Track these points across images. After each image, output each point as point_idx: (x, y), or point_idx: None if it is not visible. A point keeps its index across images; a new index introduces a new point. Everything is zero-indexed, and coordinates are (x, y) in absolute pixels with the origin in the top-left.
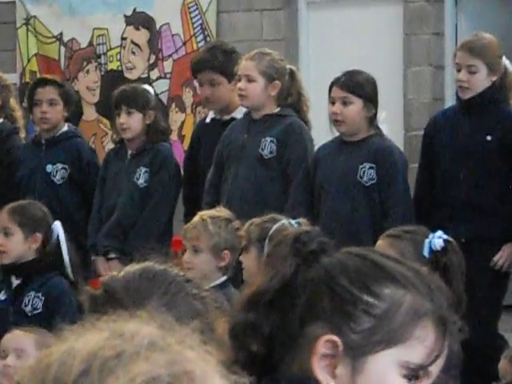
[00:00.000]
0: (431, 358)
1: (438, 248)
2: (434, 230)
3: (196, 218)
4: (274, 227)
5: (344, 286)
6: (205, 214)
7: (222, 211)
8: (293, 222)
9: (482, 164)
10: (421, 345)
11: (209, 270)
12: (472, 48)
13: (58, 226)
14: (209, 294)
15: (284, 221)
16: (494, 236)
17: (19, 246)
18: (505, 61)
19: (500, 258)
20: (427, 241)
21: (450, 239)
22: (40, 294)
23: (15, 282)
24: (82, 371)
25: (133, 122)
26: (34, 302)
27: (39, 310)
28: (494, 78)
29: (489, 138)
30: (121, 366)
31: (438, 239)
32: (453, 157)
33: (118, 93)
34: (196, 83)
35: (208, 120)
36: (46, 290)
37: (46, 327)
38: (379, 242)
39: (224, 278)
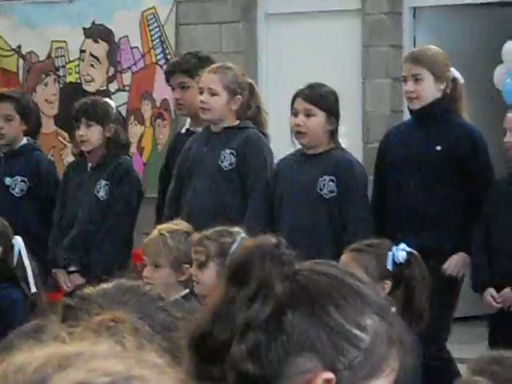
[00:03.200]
0: (398, 381)
1: (402, 260)
2: (397, 243)
3: (155, 233)
4: (235, 245)
5: (334, 317)
6: (163, 228)
7: (179, 224)
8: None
9: (432, 174)
10: (392, 372)
11: (169, 285)
12: (416, 57)
13: (18, 241)
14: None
15: (242, 234)
16: (444, 247)
17: None
18: (454, 72)
19: (449, 266)
20: (390, 254)
21: (413, 251)
22: None
23: None
24: (42, 363)
25: (92, 135)
26: None
27: None
28: (442, 87)
29: (438, 148)
30: (79, 361)
31: (401, 252)
32: (404, 168)
33: (78, 105)
34: (156, 95)
35: (183, 131)
36: None
37: None
38: (343, 257)
39: (186, 291)
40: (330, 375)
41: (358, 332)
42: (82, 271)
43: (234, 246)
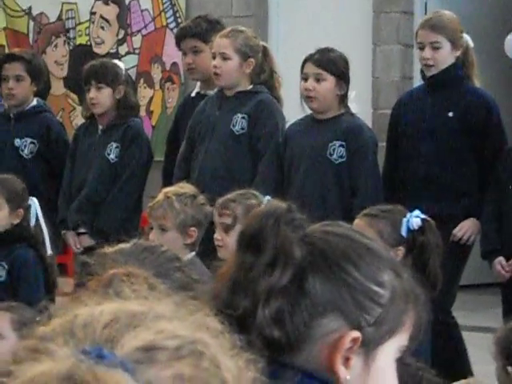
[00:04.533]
0: (412, 336)
1: (416, 227)
2: (411, 210)
3: (160, 196)
4: (265, 204)
5: (354, 276)
6: (169, 191)
7: (185, 187)
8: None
9: (444, 140)
10: (408, 327)
11: (176, 248)
12: (434, 25)
13: (35, 202)
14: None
15: (268, 197)
16: (455, 212)
17: (3, 221)
18: (466, 37)
19: (459, 230)
20: (405, 220)
21: (428, 218)
22: (4, 263)
23: None
24: (110, 319)
25: (102, 97)
26: None
27: (2, 279)
28: (457, 54)
29: (450, 114)
30: (147, 321)
31: (415, 218)
32: (415, 134)
33: (88, 68)
34: (165, 58)
35: (193, 94)
36: (11, 259)
37: (10, 296)
38: (357, 221)
39: (192, 255)
40: (356, 334)
41: (377, 288)
42: (91, 233)
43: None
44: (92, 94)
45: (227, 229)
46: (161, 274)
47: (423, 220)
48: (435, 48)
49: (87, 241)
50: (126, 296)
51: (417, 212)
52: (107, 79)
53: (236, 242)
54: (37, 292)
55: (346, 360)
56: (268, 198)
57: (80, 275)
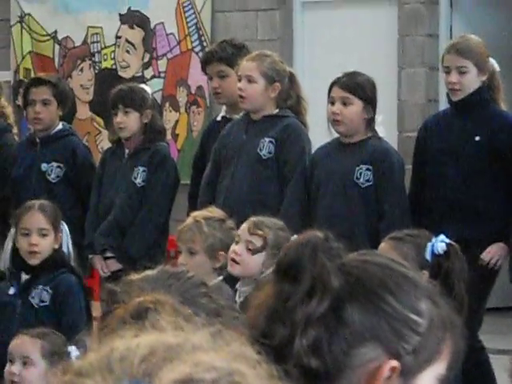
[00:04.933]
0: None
1: (441, 252)
2: (436, 234)
3: (189, 220)
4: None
5: (392, 305)
6: (198, 215)
7: (214, 211)
8: None
9: (471, 165)
10: (446, 355)
11: (205, 272)
12: (461, 49)
13: (65, 227)
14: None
15: (295, 236)
16: (482, 237)
17: (50, 247)
18: (491, 61)
19: (487, 255)
20: (430, 244)
21: (453, 243)
22: (48, 288)
23: (24, 277)
24: (147, 353)
25: (130, 122)
26: (41, 295)
27: (46, 303)
28: (484, 78)
29: (477, 138)
30: (183, 353)
31: (440, 243)
32: (442, 158)
33: (115, 92)
34: (191, 82)
35: (219, 118)
36: (55, 284)
37: (54, 321)
38: (382, 245)
39: (220, 278)
40: (395, 363)
41: (415, 317)
42: (118, 257)
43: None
44: (119, 118)
45: (254, 250)
46: (187, 301)
47: (448, 244)
48: (462, 72)
49: (114, 265)
50: (162, 327)
51: (442, 237)
52: (135, 103)
53: (273, 272)
54: (81, 318)
55: None
56: (295, 236)
57: (107, 303)
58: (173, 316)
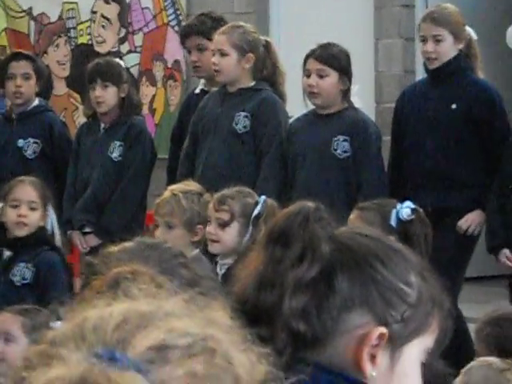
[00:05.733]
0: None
1: (406, 217)
2: (402, 201)
3: (167, 194)
4: (260, 206)
5: (383, 273)
6: (175, 188)
7: (191, 185)
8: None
9: (448, 133)
10: (434, 330)
11: (182, 245)
12: (436, 18)
13: (51, 208)
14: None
15: (263, 197)
16: (460, 205)
17: (37, 223)
18: (468, 29)
19: (465, 222)
20: (394, 211)
21: (418, 208)
22: (30, 266)
23: (6, 253)
24: (120, 321)
25: (108, 96)
26: (22, 272)
27: (27, 281)
28: (460, 47)
29: (454, 106)
30: (157, 320)
31: (405, 209)
32: (419, 127)
33: (93, 66)
34: (167, 56)
35: (197, 91)
36: (37, 262)
37: (36, 299)
38: (351, 215)
39: (197, 251)
40: (383, 329)
41: (405, 287)
42: (96, 232)
43: (258, 208)
44: (98, 92)
45: (224, 225)
46: (166, 271)
47: (413, 210)
48: (437, 41)
49: (93, 240)
50: (134, 296)
51: (407, 203)
52: (113, 78)
53: (263, 239)
54: (64, 296)
55: (372, 357)
56: (263, 197)
57: (86, 276)
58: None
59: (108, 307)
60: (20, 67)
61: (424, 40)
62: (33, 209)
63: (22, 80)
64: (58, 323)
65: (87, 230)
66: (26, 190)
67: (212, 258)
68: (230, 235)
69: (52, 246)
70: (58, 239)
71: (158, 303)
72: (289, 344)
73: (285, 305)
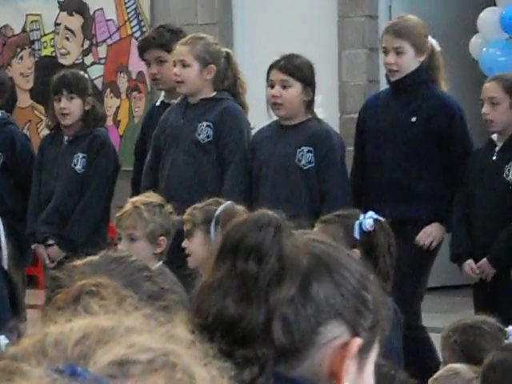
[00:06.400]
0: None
1: (369, 228)
2: (365, 212)
3: (128, 206)
4: (221, 208)
5: (350, 281)
6: (136, 200)
7: (152, 196)
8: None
9: (408, 145)
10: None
11: (145, 258)
12: (397, 30)
13: None
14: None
15: (228, 202)
16: (419, 217)
17: None
18: (431, 41)
19: (422, 236)
20: (357, 222)
21: (380, 219)
22: None
23: None
24: (81, 336)
25: (73, 108)
26: None
27: None
28: (422, 59)
29: (414, 119)
30: (117, 335)
31: (368, 220)
32: (380, 138)
33: (58, 78)
34: (131, 68)
35: (158, 103)
36: None
37: None
38: (314, 229)
39: (160, 264)
40: (359, 340)
41: (366, 293)
42: (60, 245)
43: (219, 209)
44: (63, 104)
45: (188, 235)
46: (130, 285)
47: (376, 221)
48: (399, 53)
49: (56, 252)
50: (95, 311)
51: (370, 213)
52: (78, 90)
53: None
54: (3, 309)
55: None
56: (228, 203)
57: (50, 289)
58: (113, 298)
59: (69, 323)
60: None
61: (386, 52)
62: None
63: None
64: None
65: (50, 242)
66: None
67: (172, 270)
68: (194, 244)
69: None
70: (4, 254)
71: (118, 319)
72: (270, 358)
73: (274, 324)
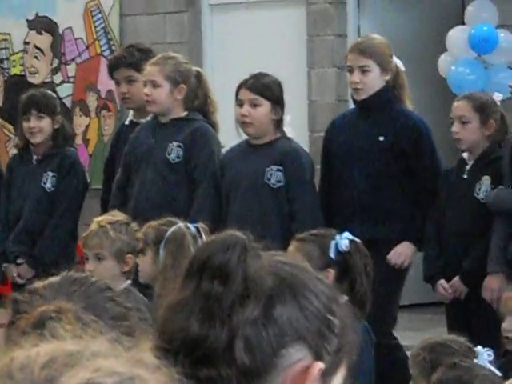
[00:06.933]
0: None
1: (345, 248)
2: (341, 232)
3: (94, 226)
4: (171, 230)
5: (315, 304)
6: (102, 219)
7: (117, 215)
8: (190, 225)
9: (376, 165)
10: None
11: (113, 276)
12: (363, 48)
13: None
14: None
15: (180, 224)
16: (389, 237)
17: None
18: (396, 60)
19: (394, 254)
20: (333, 242)
21: (356, 240)
22: None
23: None
24: (47, 360)
25: (43, 126)
26: None
27: None
28: (387, 78)
29: (381, 138)
30: (84, 360)
31: (343, 240)
32: (347, 158)
33: (27, 97)
34: (100, 86)
35: (127, 122)
36: None
37: None
38: (289, 247)
39: (129, 282)
40: (321, 365)
41: (331, 317)
42: (30, 263)
43: (170, 231)
44: (33, 123)
45: (140, 252)
46: (91, 307)
47: (351, 241)
48: (364, 71)
49: (26, 271)
50: (61, 336)
51: (346, 234)
52: (48, 109)
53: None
54: None
55: None
56: (181, 224)
57: (12, 313)
58: (74, 323)
59: (35, 347)
60: None
61: (351, 70)
62: None
63: None
64: None
65: (20, 261)
66: None
67: (140, 288)
68: (144, 262)
69: None
70: None
71: (84, 343)
72: (233, 379)
73: (236, 344)
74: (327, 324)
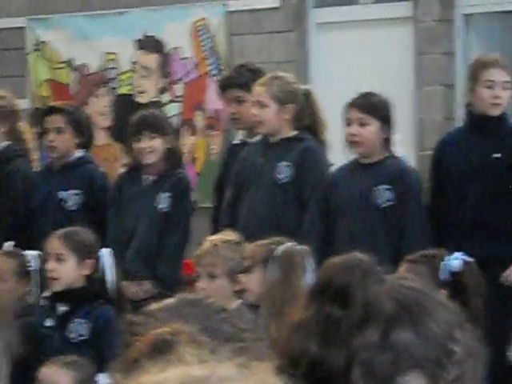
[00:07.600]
0: None
1: (456, 269)
2: (451, 252)
3: (207, 244)
4: (281, 248)
5: (436, 333)
6: (215, 239)
7: (229, 234)
8: (298, 245)
9: (491, 182)
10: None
11: (225, 295)
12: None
13: (105, 253)
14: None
15: (289, 243)
16: (504, 255)
17: (71, 273)
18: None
19: (509, 275)
20: (443, 263)
21: (468, 259)
22: (86, 321)
23: (61, 308)
24: None
25: (156, 147)
26: (79, 328)
27: (84, 337)
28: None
29: (498, 155)
30: None
31: (454, 260)
32: (461, 176)
33: (139, 118)
34: (208, 106)
35: (237, 141)
36: (94, 317)
37: (92, 355)
38: (400, 268)
39: (239, 302)
40: None
41: (452, 345)
42: (153, 282)
43: (280, 249)
44: (144, 143)
45: (246, 270)
46: (207, 329)
47: (463, 261)
48: (505, 89)
49: (149, 288)
50: (188, 361)
51: (456, 254)
52: (160, 129)
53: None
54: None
55: None
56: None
57: (126, 335)
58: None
59: (162, 373)
60: (52, 122)
61: (491, 86)
62: (60, 260)
63: (54, 134)
64: (102, 375)
65: (142, 280)
66: (52, 242)
67: (250, 308)
68: (252, 281)
69: (105, 299)
70: (112, 288)
71: (211, 368)
72: None
73: (353, 368)
74: (447, 352)
